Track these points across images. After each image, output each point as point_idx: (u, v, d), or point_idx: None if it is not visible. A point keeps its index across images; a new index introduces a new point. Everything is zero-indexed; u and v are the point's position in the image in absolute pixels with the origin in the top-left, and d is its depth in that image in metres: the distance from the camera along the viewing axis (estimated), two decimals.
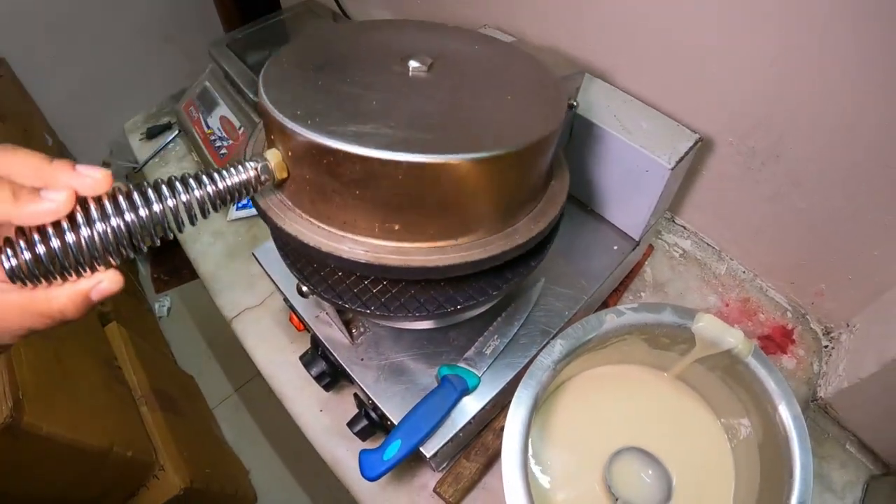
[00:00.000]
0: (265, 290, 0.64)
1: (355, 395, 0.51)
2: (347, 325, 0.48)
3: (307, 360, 0.51)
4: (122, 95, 1.35)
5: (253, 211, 0.69)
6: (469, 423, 0.44)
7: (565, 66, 0.48)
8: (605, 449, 0.50)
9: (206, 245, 0.70)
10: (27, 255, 0.25)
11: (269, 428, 1.30)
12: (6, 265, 0.25)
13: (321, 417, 0.55)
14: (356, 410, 0.53)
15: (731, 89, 0.53)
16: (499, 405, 0.49)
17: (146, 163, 0.80)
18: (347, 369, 0.47)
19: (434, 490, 0.50)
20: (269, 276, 0.52)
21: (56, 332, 0.84)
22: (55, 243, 0.26)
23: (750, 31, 0.47)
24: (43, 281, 0.27)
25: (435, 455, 0.43)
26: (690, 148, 0.51)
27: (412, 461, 0.52)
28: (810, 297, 0.62)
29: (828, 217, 0.54)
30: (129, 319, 1.14)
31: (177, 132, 0.83)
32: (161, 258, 1.57)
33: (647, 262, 0.65)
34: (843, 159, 0.49)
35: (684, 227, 0.68)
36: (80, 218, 0.26)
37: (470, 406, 0.45)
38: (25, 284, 0.26)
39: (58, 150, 1.29)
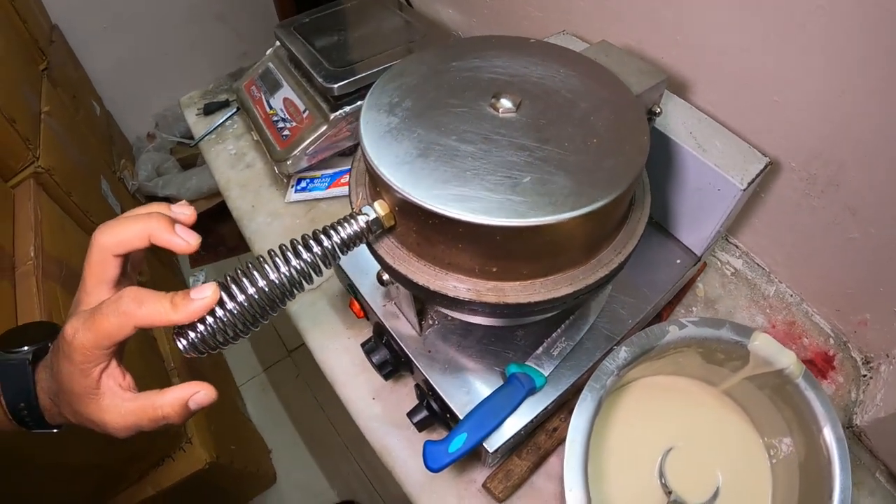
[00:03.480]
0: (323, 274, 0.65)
1: (417, 385, 0.51)
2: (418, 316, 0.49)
3: (370, 348, 0.52)
4: (170, 71, 1.36)
5: (312, 194, 0.70)
6: (531, 421, 0.45)
7: (648, 72, 0.49)
8: (658, 448, 0.51)
9: (262, 224, 0.71)
10: (192, 335, 0.32)
11: (293, 409, 1.32)
12: (180, 345, 0.32)
13: (373, 405, 0.56)
14: (410, 401, 0.54)
15: (799, 116, 0.53)
16: (556, 407, 0.50)
17: (202, 138, 0.81)
18: (414, 360, 0.48)
19: (484, 485, 0.50)
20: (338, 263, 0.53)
21: None
22: (209, 320, 0.32)
23: (824, 60, 0.48)
24: (211, 351, 0.33)
25: (497, 451, 0.44)
26: (761, 171, 0.51)
27: None
28: (853, 326, 0.63)
29: (880, 248, 0.55)
30: (164, 291, 1.15)
31: (235, 110, 0.84)
32: (198, 233, 1.58)
33: (699, 278, 0.65)
34: None
35: (737, 246, 0.68)
36: (224, 296, 0.32)
37: (533, 405, 0.46)
38: (199, 356, 0.33)
39: (105, 119, 1.30)
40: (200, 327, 0.32)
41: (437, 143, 0.36)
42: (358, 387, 0.57)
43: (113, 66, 1.32)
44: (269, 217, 0.71)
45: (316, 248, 0.34)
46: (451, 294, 0.36)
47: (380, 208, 0.36)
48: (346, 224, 0.35)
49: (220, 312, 0.32)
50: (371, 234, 0.36)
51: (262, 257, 0.34)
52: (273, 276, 0.33)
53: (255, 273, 0.33)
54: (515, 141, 0.37)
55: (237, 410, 1.21)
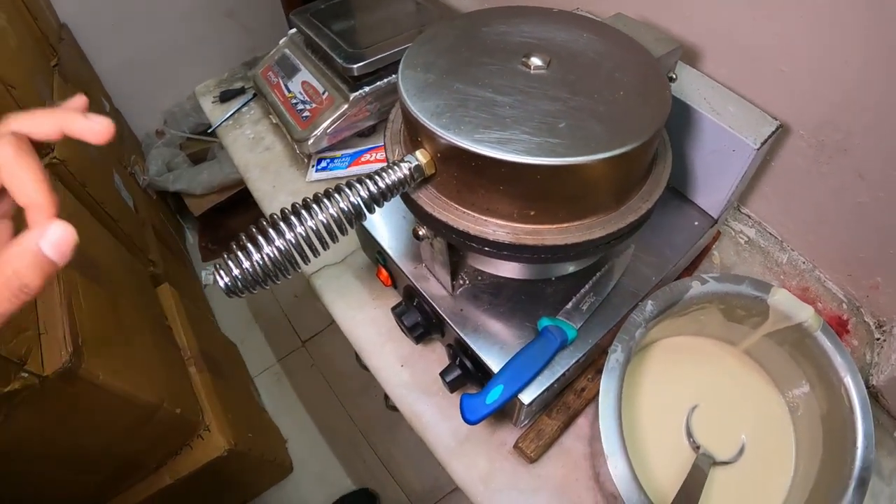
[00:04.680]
0: (346, 248, 0.66)
1: (449, 345, 0.52)
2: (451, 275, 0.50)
3: (401, 311, 0.53)
4: (178, 67, 1.38)
5: (333, 173, 0.72)
6: (564, 374, 0.46)
7: (664, 40, 0.51)
8: (684, 406, 0.53)
9: (283, 204, 0.71)
10: (235, 272, 0.32)
11: (307, 400, 1.33)
12: (221, 283, 0.33)
13: (401, 373, 0.57)
14: (437, 366, 0.55)
15: (806, 85, 0.55)
16: (585, 364, 0.51)
17: (220, 124, 0.83)
18: (447, 319, 0.49)
19: (516, 445, 0.51)
20: (367, 231, 0.54)
21: (111, 285, 0.86)
22: (256, 257, 0.32)
23: (828, 31, 0.50)
24: (251, 290, 0.33)
25: (531, 403, 0.46)
26: (772, 133, 0.53)
27: (493, 417, 0.54)
28: (865, 290, 0.64)
29: (889, 211, 0.56)
30: (178, 283, 1.16)
31: (252, 96, 0.85)
32: (209, 227, 1.59)
33: (714, 247, 0.67)
34: None
35: (749, 217, 0.70)
36: (272, 233, 0.33)
37: (566, 358, 0.47)
38: (238, 295, 0.33)
39: (114, 116, 1.31)
40: (246, 263, 0.32)
41: (475, 95, 0.38)
42: (386, 355, 0.58)
43: (121, 63, 1.34)
44: (291, 196, 0.72)
45: (363, 192, 0.35)
46: (491, 237, 0.37)
47: (421, 156, 0.37)
48: (390, 171, 0.36)
49: (267, 249, 0.32)
50: (412, 182, 0.37)
51: (308, 199, 0.35)
52: (321, 215, 0.34)
53: (304, 212, 0.33)
54: (548, 93, 0.38)
55: (253, 400, 1.21)
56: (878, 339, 0.64)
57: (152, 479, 0.91)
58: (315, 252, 0.35)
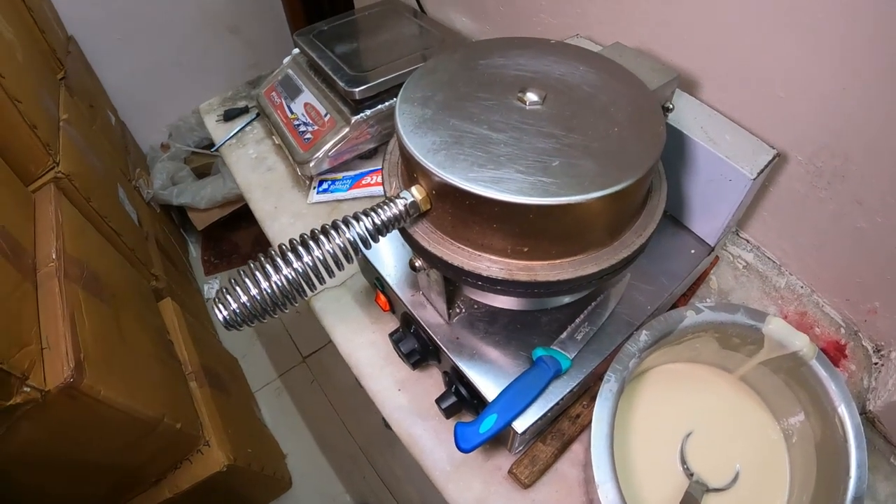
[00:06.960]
0: (346, 271, 0.66)
1: (445, 372, 0.53)
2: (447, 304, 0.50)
3: (398, 338, 0.53)
4: (183, 82, 1.39)
5: (335, 195, 0.72)
6: (558, 403, 0.47)
7: (661, 70, 0.52)
8: (678, 433, 0.53)
9: (285, 225, 0.73)
10: (234, 306, 0.34)
11: (307, 415, 1.33)
12: (220, 316, 0.34)
13: (398, 397, 0.58)
14: (435, 391, 0.56)
15: (804, 111, 0.55)
16: (580, 392, 0.51)
17: (224, 143, 0.84)
18: (443, 347, 0.49)
19: (510, 471, 0.52)
20: (366, 257, 0.55)
21: (113, 300, 0.87)
22: (254, 292, 0.33)
23: (827, 57, 0.50)
24: (249, 323, 0.35)
25: (525, 432, 0.46)
26: (769, 162, 0.54)
27: (488, 443, 0.54)
28: (863, 315, 0.64)
29: (887, 237, 0.56)
30: (180, 297, 1.17)
31: (255, 115, 0.86)
32: (212, 241, 1.60)
33: (712, 271, 0.67)
34: None
35: (748, 241, 0.70)
36: (270, 269, 0.34)
37: (560, 387, 0.47)
38: (237, 328, 0.34)
39: (120, 129, 1.33)
40: (244, 298, 0.33)
41: (470, 131, 0.38)
42: (383, 378, 0.59)
43: (127, 77, 1.35)
44: (293, 218, 0.73)
45: (359, 228, 0.36)
46: (485, 273, 0.38)
47: (417, 192, 0.38)
48: (386, 207, 0.37)
49: (264, 284, 0.33)
50: (408, 218, 0.38)
51: (305, 235, 0.35)
52: (317, 252, 0.34)
53: (301, 249, 0.34)
54: (543, 130, 0.39)
55: (253, 415, 1.22)
56: (875, 364, 0.64)
57: (152, 492, 0.91)
58: (312, 287, 0.36)
